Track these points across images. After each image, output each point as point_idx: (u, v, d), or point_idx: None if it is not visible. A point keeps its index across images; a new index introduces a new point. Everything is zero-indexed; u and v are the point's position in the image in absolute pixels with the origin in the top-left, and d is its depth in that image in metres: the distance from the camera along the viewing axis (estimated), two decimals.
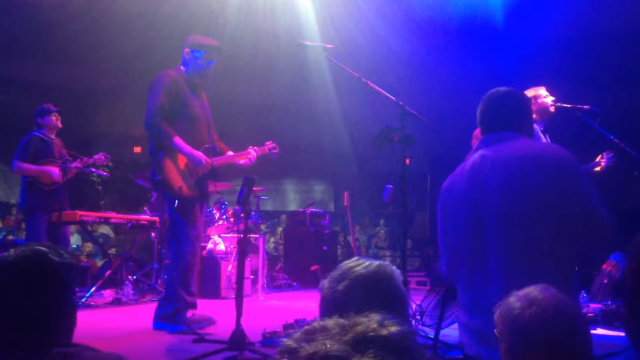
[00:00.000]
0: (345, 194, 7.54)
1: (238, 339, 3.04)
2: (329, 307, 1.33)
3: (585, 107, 3.59)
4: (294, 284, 7.59)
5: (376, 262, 1.39)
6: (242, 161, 4.23)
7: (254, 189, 3.75)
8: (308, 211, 8.38)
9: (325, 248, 8.17)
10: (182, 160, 3.95)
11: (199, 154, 3.95)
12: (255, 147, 4.30)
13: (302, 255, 8.06)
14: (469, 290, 2.21)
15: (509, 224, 2.10)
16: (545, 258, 2.04)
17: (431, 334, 3.21)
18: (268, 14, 8.51)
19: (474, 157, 2.32)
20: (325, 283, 1.39)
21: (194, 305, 3.95)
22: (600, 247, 2.16)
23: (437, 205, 2.40)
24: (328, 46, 3.50)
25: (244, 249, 3.26)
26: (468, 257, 2.22)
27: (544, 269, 2.00)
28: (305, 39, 5.50)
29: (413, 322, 3.54)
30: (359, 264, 1.37)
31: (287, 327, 3.56)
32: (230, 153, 4.27)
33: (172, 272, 3.92)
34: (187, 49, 4.08)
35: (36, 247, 1.35)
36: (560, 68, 7.83)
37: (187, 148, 3.91)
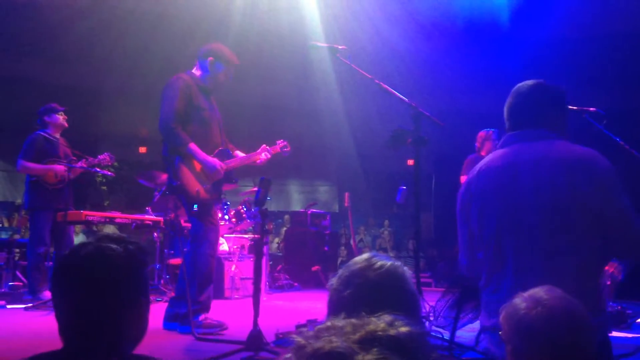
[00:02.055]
0: (346, 194, 7.50)
1: (256, 339, 3.00)
2: (337, 309, 1.29)
3: (591, 109, 3.56)
4: (295, 284, 7.58)
5: (388, 263, 1.30)
6: (255, 161, 4.33)
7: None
8: (309, 212, 8.38)
9: (326, 248, 8.17)
10: (197, 165, 3.99)
11: (213, 160, 3.98)
12: (269, 147, 4.39)
13: (303, 256, 8.05)
14: (491, 290, 2.14)
15: (548, 227, 2.01)
16: (580, 267, 1.98)
17: (446, 335, 3.18)
18: (272, 15, 8.52)
19: (505, 151, 2.20)
20: (333, 283, 1.33)
21: (208, 308, 3.94)
22: (633, 256, 2.11)
23: (458, 198, 2.28)
24: (340, 47, 3.47)
25: (261, 249, 3.24)
26: (493, 256, 2.14)
27: (577, 278, 1.94)
28: (310, 39, 5.50)
29: (427, 323, 3.52)
30: (370, 265, 1.29)
31: (299, 327, 3.54)
32: (240, 153, 4.30)
33: (188, 274, 3.88)
34: (211, 58, 4.09)
35: (100, 244, 1.23)
36: (565, 69, 7.81)
37: (202, 155, 3.94)
